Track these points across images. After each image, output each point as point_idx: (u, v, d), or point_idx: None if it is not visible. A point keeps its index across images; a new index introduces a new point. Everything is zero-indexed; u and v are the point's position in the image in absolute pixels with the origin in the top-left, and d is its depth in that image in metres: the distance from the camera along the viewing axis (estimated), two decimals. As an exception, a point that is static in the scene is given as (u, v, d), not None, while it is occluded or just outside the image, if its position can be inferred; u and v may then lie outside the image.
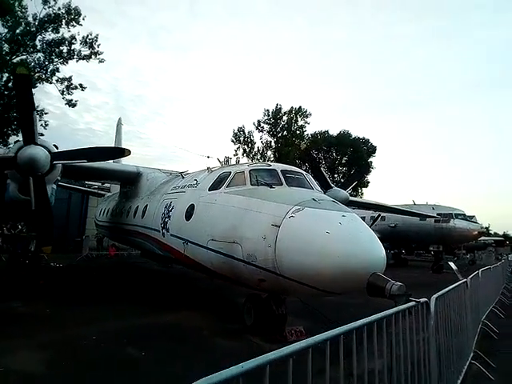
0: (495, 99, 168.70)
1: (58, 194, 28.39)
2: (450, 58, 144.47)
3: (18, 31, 34.75)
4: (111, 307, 9.37)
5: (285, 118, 58.76)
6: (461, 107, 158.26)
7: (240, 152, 55.88)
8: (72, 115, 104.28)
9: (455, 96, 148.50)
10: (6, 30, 34.19)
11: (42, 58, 36.84)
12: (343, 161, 61.35)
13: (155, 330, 7.55)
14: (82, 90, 38.66)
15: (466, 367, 5.50)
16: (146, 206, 11.48)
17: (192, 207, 8.41)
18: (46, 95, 65.04)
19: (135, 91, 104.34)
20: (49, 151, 9.15)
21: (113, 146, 28.68)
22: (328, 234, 5.85)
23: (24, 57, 35.99)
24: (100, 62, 38.67)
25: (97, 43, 37.32)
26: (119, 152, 9.57)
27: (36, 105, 32.87)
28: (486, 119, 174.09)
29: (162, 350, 6.41)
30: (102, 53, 37.94)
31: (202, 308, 9.80)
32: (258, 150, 58.06)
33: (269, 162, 7.98)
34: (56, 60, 37.37)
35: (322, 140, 61.34)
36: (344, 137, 60.84)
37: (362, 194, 59.33)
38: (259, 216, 6.70)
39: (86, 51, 37.65)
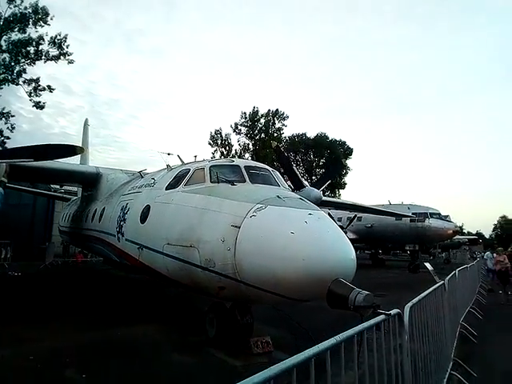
0: (467, 103, 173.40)
1: (23, 199, 27.41)
2: (425, 64, 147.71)
3: (-19, 31, 33.21)
4: (62, 320, 8.44)
5: (262, 120, 58.69)
6: (435, 110, 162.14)
7: (217, 155, 55.26)
8: (46, 119, 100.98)
9: (430, 99, 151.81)
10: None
11: (7, 59, 35.35)
12: (320, 163, 61.52)
13: (106, 347, 6.71)
14: (51, 91, 37.36)
15: (445, 380, 4.96)
16: (104, 208, 10.60)
17: (148, 208, 7.63)
18: (18, 99, 62.28)
19: (111, 95, 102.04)
20: (-11, 149, 8.22)
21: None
22: (292, 234, 5.23)
23: (-13, 57, 34.44)
24: (69, 62, 37.36)
25: (65, 44, 36.14)
26: (70, 150, 8.63)
27: (2, 107, 31.13)
28: (459, 121, 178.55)
29: (108, 370, 5.64)
30: (71, 54, 36.69)
31: (165, 318, 9.01)
32: (236, 153, 57.61)
33: (232, 158, 7.29)
34: (23, 61, 35.92)
35: (300, 142, 61.42)
36: (321, 139, 61.17)
37: (340, 195, 59.68)
38: (218, 216, 6.02)
39: (54, 52, 36.40)
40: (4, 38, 34.82)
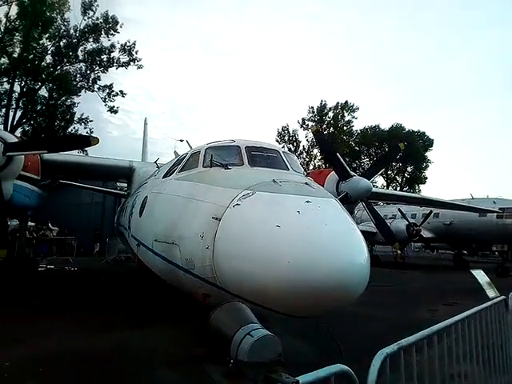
0: None
1: (95, 197, 28.98)
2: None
3: (61, 44, 36.09)
4: (72, 320, 7.91)
5: (330, 114, 56.26)
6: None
7: (285, 151, 54.21)
8: (132, 125, 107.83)
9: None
10: (50, 43, 35.67)
11: (83, 68, 38.01)
12: (398, 156, 57.06)
13: (92, 356, 5.91)
14: (123, 96, 39.53)
15: None
16: (127, 202, 10.12)
17: (146, 200, 6.80)
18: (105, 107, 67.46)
19: (190, 99, 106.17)
20: (4, 142, 8.04)
21: (141, 148, 28.28)
22: (278, 228, 3.95)
23: (67, 67, 37.31)
24: (138, 67, 39.28)
25: (135, 50, 37.95)
26: (84, 141, 8.20)
27: (81, 113, 33.42)
28: None
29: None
30: (140, 59, 38.54)
31: (185, 321, 8.14)
32: (304, 149, 56.17)
33: (234, 138, 6.12)
34: (97, 69, 38.38)
35: (373, 135, 57.56)
36: (396, 131, 56.50)
37: (420, 190, 54.88)
38: (200, 206, 4.92)
39: (125, 58, 38.42)
40: (80, 48, 37.45)
